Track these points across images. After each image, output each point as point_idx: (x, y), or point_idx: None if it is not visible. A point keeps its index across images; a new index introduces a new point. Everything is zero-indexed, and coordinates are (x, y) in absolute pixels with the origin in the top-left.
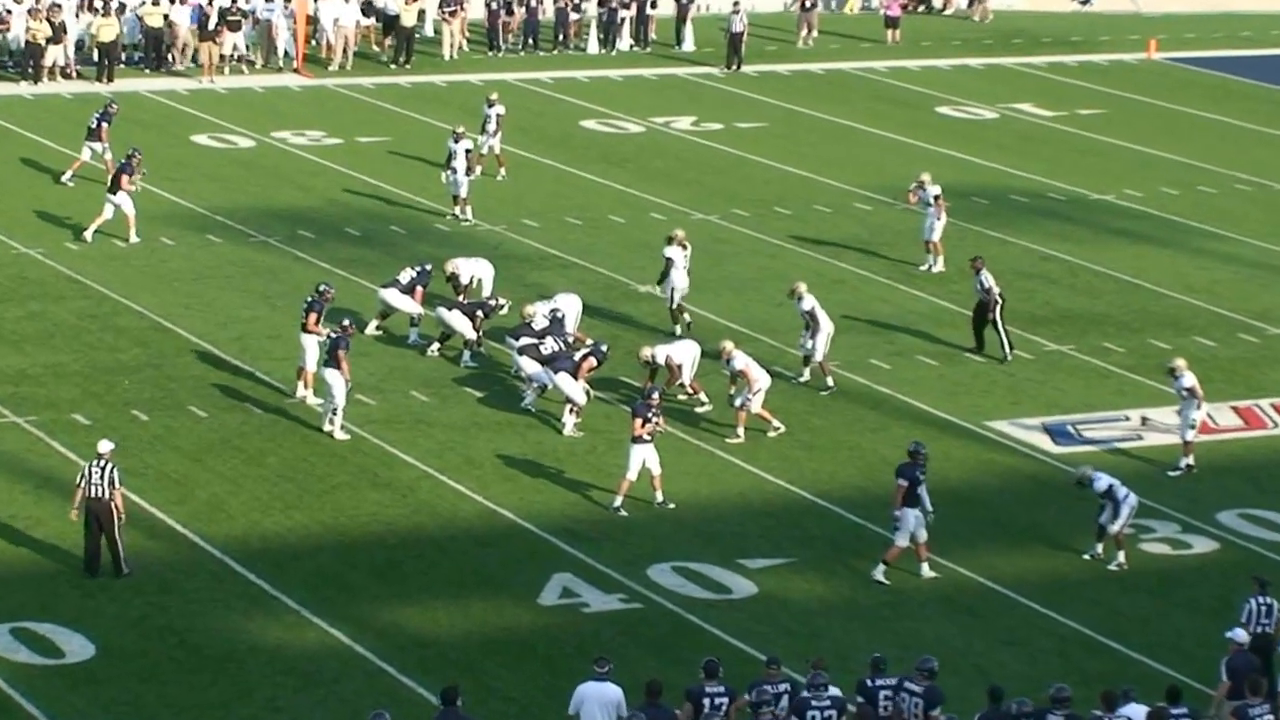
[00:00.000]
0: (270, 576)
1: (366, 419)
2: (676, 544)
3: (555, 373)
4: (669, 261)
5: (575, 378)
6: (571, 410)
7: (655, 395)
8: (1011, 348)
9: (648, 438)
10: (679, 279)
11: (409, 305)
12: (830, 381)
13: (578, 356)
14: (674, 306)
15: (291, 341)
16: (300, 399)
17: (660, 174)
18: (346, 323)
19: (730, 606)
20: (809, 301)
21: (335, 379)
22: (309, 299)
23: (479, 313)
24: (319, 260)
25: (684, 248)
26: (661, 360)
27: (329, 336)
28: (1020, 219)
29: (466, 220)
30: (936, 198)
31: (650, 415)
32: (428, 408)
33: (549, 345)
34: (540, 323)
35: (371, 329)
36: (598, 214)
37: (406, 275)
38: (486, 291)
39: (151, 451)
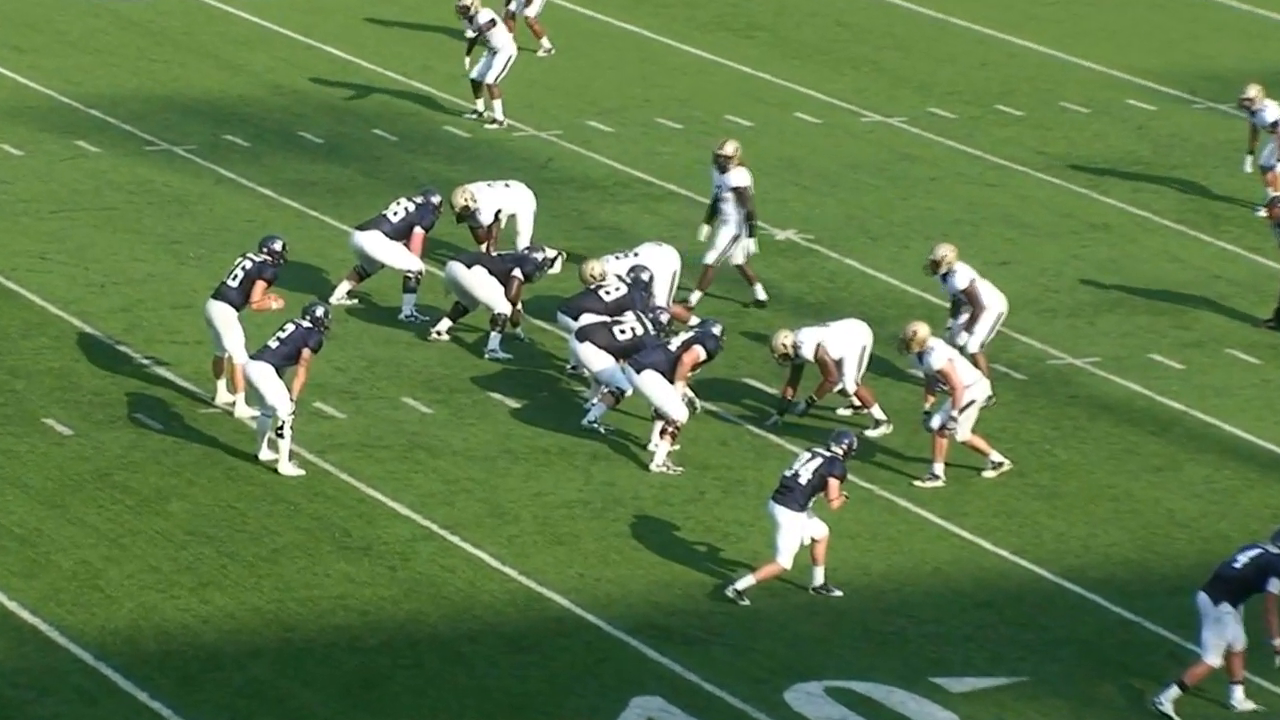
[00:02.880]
0: (174, 695)
1: (331, 442)
2: (833, 651)
3: (639, 370)
4: (742, 194)
5: (671, 379)
6: (665, 431)
7: (850, 442)
8: None
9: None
10: (730, 227)
11: (401, 258)
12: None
13: (675, 345)
14: (742, 263)
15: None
16: (223, 408)
17: (811, 49)
18: (320, 311)
19: None
20: (964, 276)
21: (278, 389)
22: (252, 259)
23: (515, 271)
24: (256, 184)
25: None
26: (809, 352)
27: (295, 325)
28: None
29: (495, 121)
30: (1276, 124)
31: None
32: (431, 425)
33: (628, 326)
34: (614, 289)
35: (340, 296)
36: (709, 113)
37: (398, 211)
38: (525, 239)
39: None
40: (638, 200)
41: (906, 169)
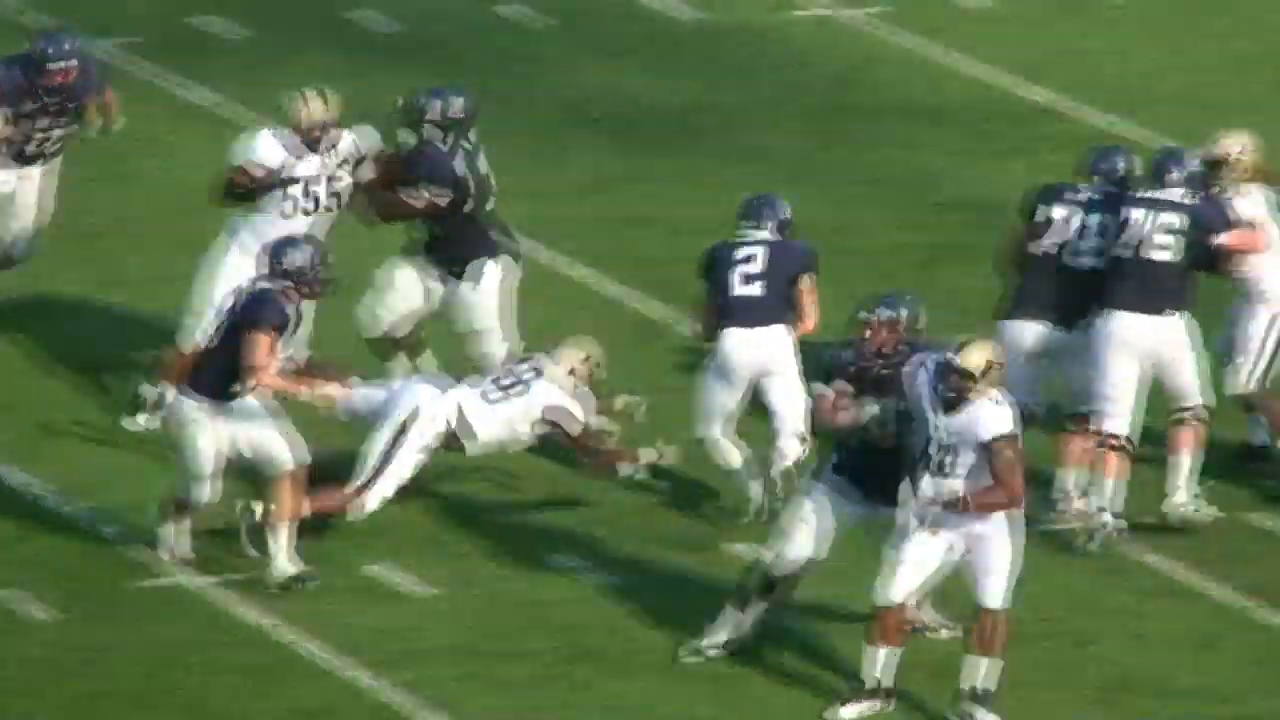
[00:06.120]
0: None
1: (407, 647)
2: None
3: None
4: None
5: None
6: None
7: None
8: None
9: None
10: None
11: None
12: None
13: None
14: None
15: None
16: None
17: None
18: (304, 256)
19: None
20: None
21: (267, 435)
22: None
23: None
24: (263, 113)
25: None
26: None
27: (246, 305)
28: None
29: None
30: None
31: None
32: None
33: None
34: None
35: None
36: None
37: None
38: None
39: None
40: (1033, 146)
41: None
